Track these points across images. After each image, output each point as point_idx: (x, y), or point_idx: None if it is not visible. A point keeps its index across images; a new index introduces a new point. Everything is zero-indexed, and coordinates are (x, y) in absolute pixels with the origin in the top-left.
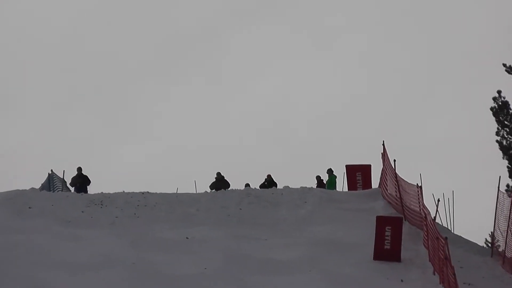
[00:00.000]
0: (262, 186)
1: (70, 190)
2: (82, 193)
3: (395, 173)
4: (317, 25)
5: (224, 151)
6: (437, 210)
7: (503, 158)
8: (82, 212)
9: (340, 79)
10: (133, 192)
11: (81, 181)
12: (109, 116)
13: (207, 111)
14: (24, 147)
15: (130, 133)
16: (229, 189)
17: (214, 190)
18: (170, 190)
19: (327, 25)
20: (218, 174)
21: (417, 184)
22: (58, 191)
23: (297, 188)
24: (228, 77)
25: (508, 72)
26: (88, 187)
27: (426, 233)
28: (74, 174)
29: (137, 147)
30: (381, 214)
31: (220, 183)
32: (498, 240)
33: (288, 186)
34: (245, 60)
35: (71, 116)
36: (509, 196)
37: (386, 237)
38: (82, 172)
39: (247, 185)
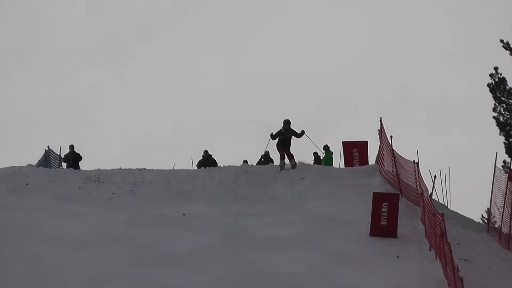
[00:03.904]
0: (259, 163)
1: (62, 167)
2: (79, 169)
3: (392, 150)
4: None
5: (225, 123)
6: (433, 187)
7: (500, 135)
8: (79, 188)
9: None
10: (130, 169)
11: (73, 158)
12: (115, 74)
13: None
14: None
15: (135, 92)
16: (226, 165)
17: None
18: (167, 166)
19: None
20: (206, 152)
21: (414, 160)
22: (54, 168)
23: None
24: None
25: (505, 48)
26: (80, 163)
27: (423, 209)
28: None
29: (142, 107)
30: (377, 190)
31: (207, 161)
32: (494, 216)
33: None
34: (256, 17)
35: (72, 75)
36: (506, 172)
37: (383, 214)
38: (74, 149)
39: (245, 161)
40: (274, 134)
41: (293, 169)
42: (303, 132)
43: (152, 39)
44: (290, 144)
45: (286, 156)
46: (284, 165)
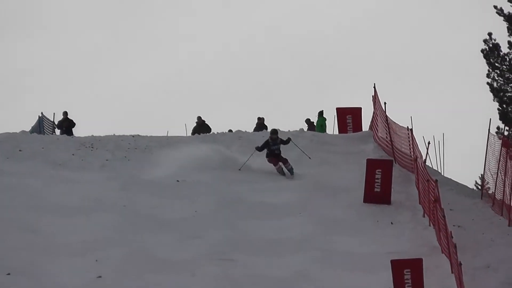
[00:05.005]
0: (254, 129)
1: (55, 133)
2: (72, 136)
3: (386, 116)
4: None
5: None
6: (427, 153)
7: (493, 101)
8: (73, 155)
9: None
10: (124, 135)
11: (67, 124)
12: (108, 38)
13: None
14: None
15: (128, 57)
16: (220, 132)
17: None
18: (161, 133)
19: None
20: (199, 118)
21: (408, 127)
22: (48, 134)
23: (288, 131)
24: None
25: (499, 14)
26: (73, 129)
27: (416, 176)
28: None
29: (134, 73)
30: (371, 157)
31: (201, 127)
32: (488, 183)
33: (278, 129)
34: None
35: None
36: (500, 139)
37: (376, 180)
38: (68, 116)
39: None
40: (260, 146)
41: (287, 136)
42: (289, 139)
43: (143, 1)
44: (280, 152)
45: (279, 162)
46: (282, 169)
